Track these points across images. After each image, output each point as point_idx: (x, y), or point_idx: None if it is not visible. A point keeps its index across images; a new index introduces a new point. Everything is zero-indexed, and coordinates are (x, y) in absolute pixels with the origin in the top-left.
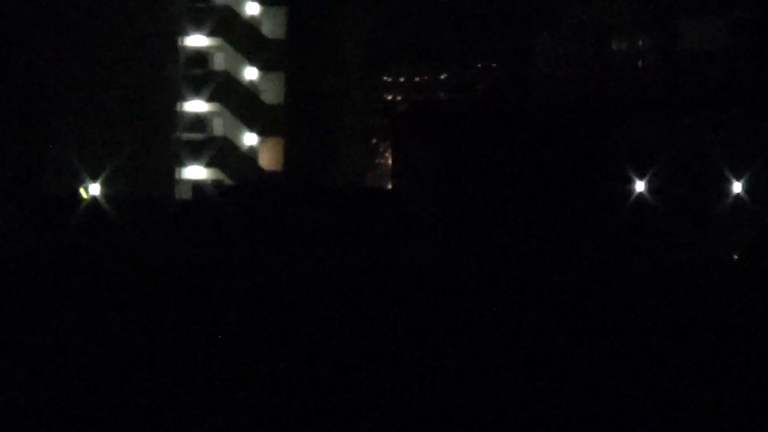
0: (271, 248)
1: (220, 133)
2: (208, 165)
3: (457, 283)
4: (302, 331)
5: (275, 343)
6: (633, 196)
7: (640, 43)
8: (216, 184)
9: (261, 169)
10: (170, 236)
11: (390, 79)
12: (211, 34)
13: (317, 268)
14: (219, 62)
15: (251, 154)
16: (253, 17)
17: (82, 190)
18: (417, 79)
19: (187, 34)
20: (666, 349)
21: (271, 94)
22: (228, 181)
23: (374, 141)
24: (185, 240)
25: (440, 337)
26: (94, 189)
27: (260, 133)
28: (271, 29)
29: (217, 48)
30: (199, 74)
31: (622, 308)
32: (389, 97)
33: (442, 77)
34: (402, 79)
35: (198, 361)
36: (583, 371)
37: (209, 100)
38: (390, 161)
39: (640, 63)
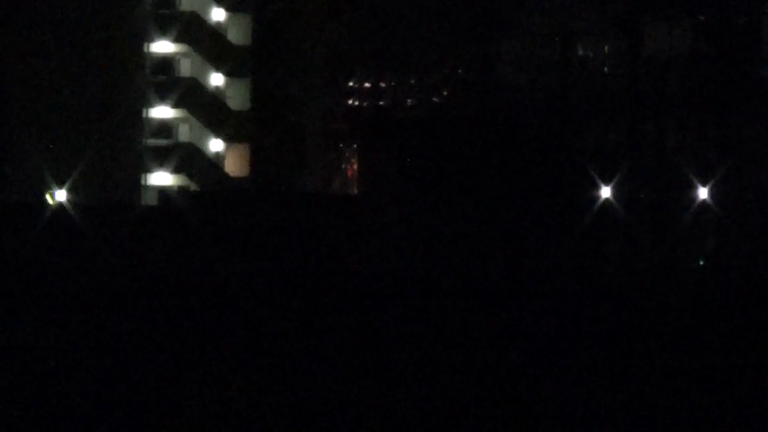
0: (237, 253)
1: (186, 139)
2: (174, 171)
3: (421, 288)
4: (267, 334)
5: (240, 345)
6: (598, 202)
7: (605, 48)
8: (182, 189)
9: (227, 175)
10: (136, 242)
11: (355, 86)
12: (177, 40)
13: (282, 272)
14: (185, 68)
15: (217, 160)
16: (218, 24)
17: (48, 197)
18: (382, 85)
19: (153, 40)
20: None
21: (237, 101)
22: (194, 187)
23: (339, 147)
24: (151, 246)
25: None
26: (61, 195)
27: (226, 139)
28: (236, 36)
29: (183, 54)
30: (165, 80)
31: (587, 313)
32: (354, 104)
33: (407, 84)
34: (367, 86)
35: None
36: (545, 375)
37: (175, 106)
38: (355, 167)
39: (604, 68)
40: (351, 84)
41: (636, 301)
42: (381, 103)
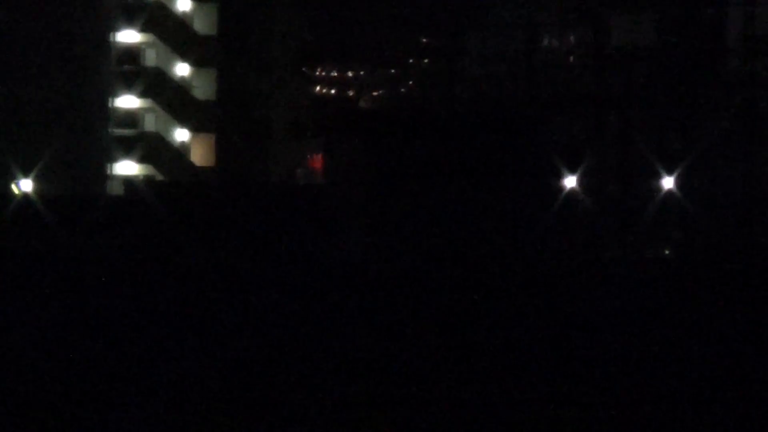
0: (203, 244)
1: (151, 129)
2: (140, 161)
3: (387, 281)
4: (234, 327)
5: (206, 338)
6: (563, 193)
7: (570, 40)
8: (148, 179)
9: (193, 165)
10: (102, 232)
11: (321, 76)
12: (142, 30)
13: (248, 262)
14: (150, 58)
15: (183, 150)
16: (184, 13)
17: (13, 187)
18: (348, 76)
19: (118, 30)
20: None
21: (203, 91)
22: (160, 177)
23: (305, 137)
24: (117, 236)
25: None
26: (26, 185)
27: (192, 129)
28: (202, 25)
29: (149, 44)
30: (131, 70)
31: (551, 305)
32: (320, 94)
33: (373, 75)
34: (333, 77)
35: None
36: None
37: (141, 96)
38: (321, 158)
39: (569, 60)
40: (317, 75)
41: (603, 290)
42: (347, 94)
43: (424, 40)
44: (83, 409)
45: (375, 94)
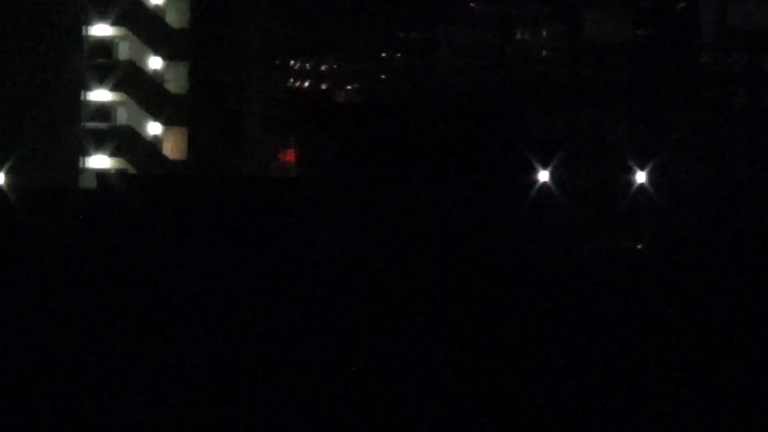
0: (175, 237)
1: (124, 123)
2: (113, 154)
3: (361, 274)
4: (206, 320)
5: (177, 332)
6: (536, 187)
7: (544, 34)
8: (120, 173)
9: (165, 159)
10: (74, 225)
11: (294, 70)
12: (115, 23)
13: (221, 257)
14: (123, 51)
15: (156, 143)
16: (157, 7)
17: None
18: (321, 69)
19: (91, 23)
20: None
21: (176, 84)
22: (132, 171)
23: (279, 131)
24: (89, 229)
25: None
26: None
27: (165, 123)
28: (175, 19)
29: (122, 37)
30: (104, 63)
31: (525, 298)
32: (294, 88)
33: (346, 68)
34: (306, 70)
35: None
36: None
37: (114, 89)
38: (294, 151)
39: (544, 54)
40: (290, 68)
41: (577, 284)
42: (321, 87)
43: (399, 33)
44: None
45: (349, 87)
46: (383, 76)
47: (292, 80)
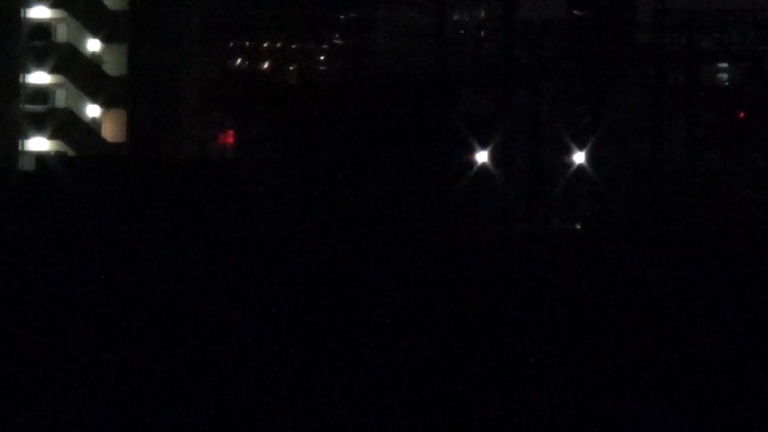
0: (115, 219)
1: (62, 105)
2: (52, 136)
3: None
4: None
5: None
6: (475, 167)
7: (480, 14)
8: (59, 155)
9: (104, 141)
10: (13, 207)
11: (231, 52)
12: (53, 5)
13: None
14: (61, 34)
15: (94, 125)
16: None
17: None
18: (258, 51)
19: (29, 5)
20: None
21: (114, 66)
22: (71, 153)
23: (216, 112)
24: (29, 211)
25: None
26: None
27: (103, 105)
28: (113, 1)
29: (60, 20)
30: (42, 46)
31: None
32: (232, 69)
33: (283, 49)
34: (243, 52)
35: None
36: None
37: (52, 71)
38: (232, 132)
39: (480, 34)
40: (227, 50)
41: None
42: (257, 69)
43: (336, 14)
44: None
45: (288, 68)
46: (321, 57)
47: (229, 62)
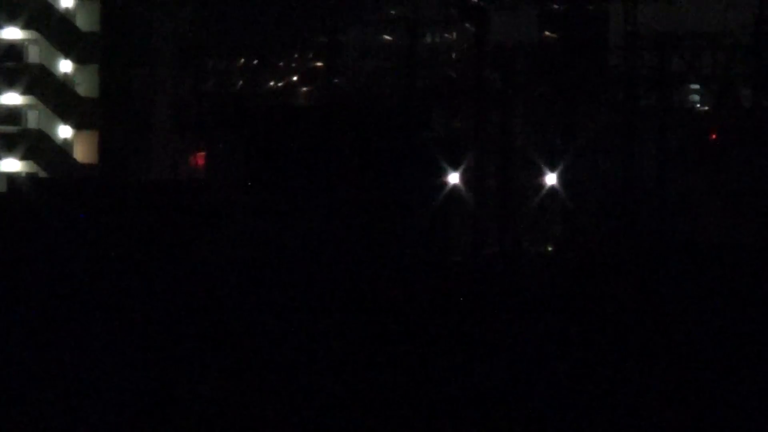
0: (86, 241)
1: (34, 126)
2: (23, 158)
3: (271, 275)
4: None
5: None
6: (446, 189)
7: (451, 35)
8: (30, 176)
9: (76, 162)
10: None
11: (203, 73)
12: (25, 26)
13: (131, 260)
14: (33, 55)
15: (66, 146)
16: (67, 10)
17: None
18: (230, 72)
19: (0, 27)
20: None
21: (86, 87)
22: (42, 174)
23: (187, 134)
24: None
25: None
26: None
27: (75, 126)
28: (85, 22)
29: (32, 41)
30: (14, 67)
31: (435, 298)
32: (203, 90)
33: (255, 71)
34: (216, 73)
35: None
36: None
37: (24, 92)
38: (204, 154)
39: (452, 56)
40: (199, 71)
41: (484, 286)
42: (229, 90)
43: (307, 35)
44: None
45: (258, 89)
46: (292, 79)
47: (201, 83)
